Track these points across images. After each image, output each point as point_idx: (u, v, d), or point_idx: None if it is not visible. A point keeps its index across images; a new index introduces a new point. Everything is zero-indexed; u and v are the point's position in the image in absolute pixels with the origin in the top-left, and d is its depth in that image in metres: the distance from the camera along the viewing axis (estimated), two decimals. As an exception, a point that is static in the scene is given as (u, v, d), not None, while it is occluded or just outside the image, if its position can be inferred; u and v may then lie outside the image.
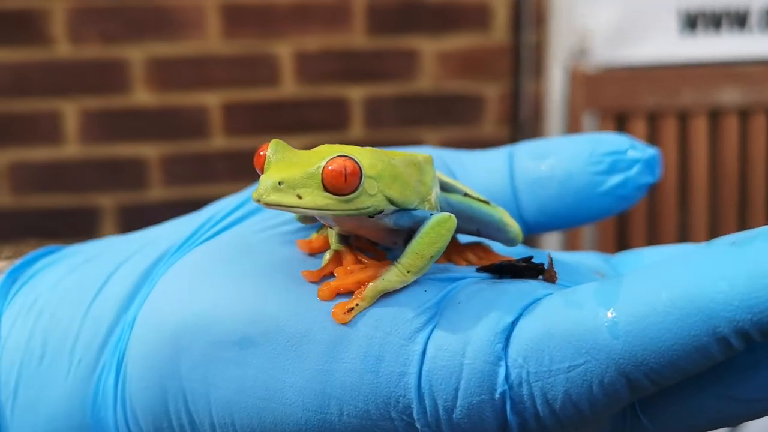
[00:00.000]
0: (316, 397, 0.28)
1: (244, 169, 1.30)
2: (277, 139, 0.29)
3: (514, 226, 0.32)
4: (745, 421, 0.28)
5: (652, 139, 1.28)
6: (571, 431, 0.27)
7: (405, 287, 0.29)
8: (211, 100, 1.31)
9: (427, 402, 0.27)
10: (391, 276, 0.28)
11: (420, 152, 0.35)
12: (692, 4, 1.29)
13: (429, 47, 1.33)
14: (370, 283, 0.28)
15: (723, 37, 1.30)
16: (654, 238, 1.28)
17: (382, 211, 0.29)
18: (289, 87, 1.31)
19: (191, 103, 1.30)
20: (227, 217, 0.34)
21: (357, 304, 0.28)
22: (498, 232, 0.32)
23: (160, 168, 1.32)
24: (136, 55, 1.29)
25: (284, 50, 1.30)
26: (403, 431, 0.28)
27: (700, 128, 1.29)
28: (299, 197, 0.27)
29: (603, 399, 0.26)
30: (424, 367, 0.27)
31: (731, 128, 1.30)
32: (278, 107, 1.30)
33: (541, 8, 1.33)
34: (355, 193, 0.28)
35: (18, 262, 0.34)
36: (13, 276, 0.33)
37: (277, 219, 0.33)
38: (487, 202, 0.33)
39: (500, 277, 0.31)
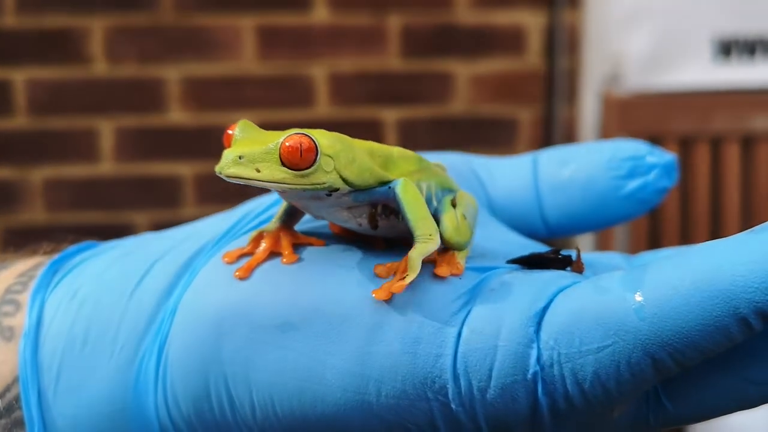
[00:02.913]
0: (356, 378, 0.29)
1: (277, 189, 1.31)
2: (245, 120, 0.31)
3: (447, 229, 0.32)
4: (761, 404, 0.29)
5: (685, 164, 1.28)
6: (598, 412, 0.28)
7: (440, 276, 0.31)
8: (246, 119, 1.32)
9: (462, 382, 0.28)
10: (422, 244, 0.30)
11: (443, 156, 0.37)
12: (726, 30, 1.29)
13: (463, 71, 1.33)
14: (410, 255, 0.30)
15: (757, 65, 1.30)
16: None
17: (338, 190, 0.30)
18: (323, 108, 1.32)
19: (226, 122, 1.31)
20: (262, 213, 0.35)
21: (407, 275, 0.29)
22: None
23: (194, 186, 1.33)
24: (172, 74, 1.30)
25: (319, 72, 1.32)
26: (439, 411, 0.28)
27: (732, 154, 1.29)
28: (258, 171, 0.29)
29: (630, 379, 0.27)
30: (460, 349, 0.28)
31: (764, 155, 1.30)
32: (312, 128, 1.31)
33: (574, 33, 1.33)
34: (311, 169, 0.29)
35: (58, 255, 0.35)
36: (54, 268, 0.35)
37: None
38: (454, 206, 0.34)
39: (530, 268, 0.32)
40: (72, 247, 0.36)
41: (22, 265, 0.36)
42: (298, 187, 0.29)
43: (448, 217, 0.32)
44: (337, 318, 0.29)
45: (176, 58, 1.30)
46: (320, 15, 1.30)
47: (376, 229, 0.32)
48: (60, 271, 0.35)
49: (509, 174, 0.39)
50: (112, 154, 1.31)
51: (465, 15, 1.32)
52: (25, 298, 0.33)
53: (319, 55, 1.31)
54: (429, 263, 0.31)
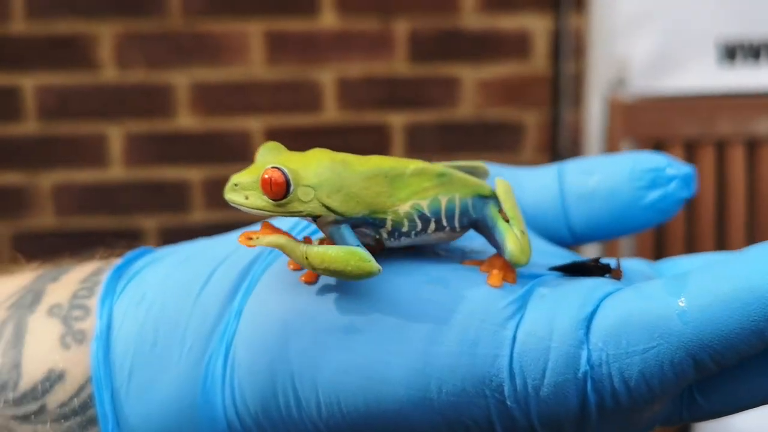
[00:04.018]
0: (418, 377, 0.31)
1: (285, 194, 1.31)
2: (271, 142, 0.33)
3: (513, 251, 0.33)
4: None
5: (690, 168, 1.28)
6: (640, 407, 0.30)
7: None
8: (254, 125, 1.33)
9: (518, 381, 0.30)
10: (293, 245, 0.31)
11: (473, 163, 0.38)
12: (731, 34, 1.30)
13: (470, 75, 1.34)
14: (275, 235, 0.32)
15: (761, 68, 1.31)
16: (692, 266, 1.27)
17: (320, 216, 0.32)
18: (331, 113, 1.33)
19: (234, 127, 1.32)
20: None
21: (258, 237, 0.32)
22: (500, 251, 0.34)
23: (203, 191, 1.33)
24: (181, 80, 1.31)
25: (327, 77, 1.32)
26: (495, 407, 0.30)
27: (737, 158, 1.30)
28: (246, 198, 0.31)
29: (672, 378, 0.29)
30: (515, 350, 0.30)
31: (769, 158, 1.30)
32: (320, 133, 1.32)
33: (580, 38, 1.34)
34: (285, 200, 0.31)
35: (120, 261, 0.37)
36: (117, 274, 0.36)
37: None
38: (507, 221, 0.35)
39: (571, 275, 0.34)
40: (132, 253, 0.38)
41: (81, 270, 0.37)
42: (276, 214, 0.32)
43: (511, 240, 0.34)
44: (398, 321, 0.31)
45: (185, 64, 1.30)
46: (328, 20, 1.31)
47: (398, 242, 0.33)
48: (123, 277, 0.36)
49: (536, 184, 0.41)
50: (121, 159, 1.32)
51: (471, 20, 1.33)
52: (94, 302, 0.35)
53: (327, 60, 1.32)
54: (483, 272, 0.33)
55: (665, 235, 1.28)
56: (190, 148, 1.32)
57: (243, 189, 0.31)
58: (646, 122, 1.29)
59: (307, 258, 0.31)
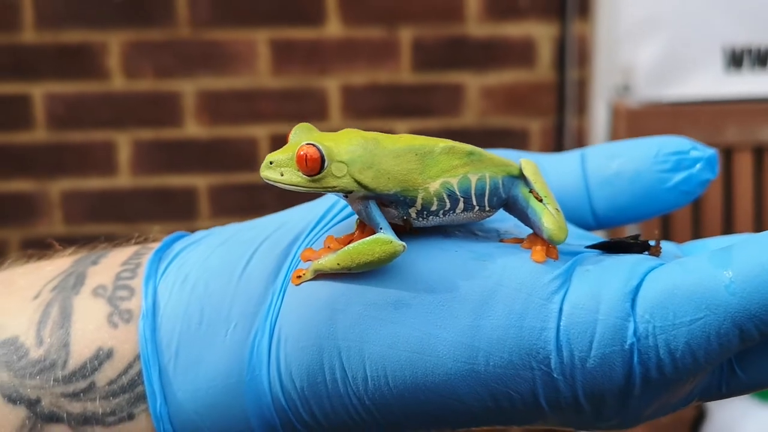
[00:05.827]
0: (466, 349, 0.32)
1: (291, 201, 1.32)
2: (304, 123, 0.34)
3: (551, 229, 0.34)
4: None
5: (696, 174, 1.28)
6: (684, 379, 0.31)
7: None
8: (260, 132, 1.33)
9: (565, 352, 0.31)
10: (326, 261, 0.33)
11: (495, 152, 0.38)
12: (737, 41, 1.30)
13: (474, 83, 1.34)
14: (312, 262, 0.33)
15: (768, 75, 1.30)
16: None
17: (352, 192, 0.33)
18: (336, 121, 1.34)
19: (241, 135, 1.33)
20: (348, 206, 0.38)
21: (303, 275, 0.34)
22: (537, 230, 0.35)
23: (210, 198, 1.34)
24: (188, 88, 1.32)
25: (332, 85, 1.33)
26: (541, 378, 0.31)
27: (744, 164, 1.29)
28: (281, 174, 0.33)
29: (717, 349, 0.30)
30: (562, 323, 0.31)
31: (776, 165, 1.30)
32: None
33: (584, 45, 1.34)
34: (320, 175, 0.32)
35: (158, 245, 0.38)
36: (158, 256, 0.37)
37: None
38: (540, 200, 0.35)
39: (609, 252, 0.35)
40: (170, 237, 0.39)
41: (121, 253, 0.38)
42: (311, 190, 0.33)
43: (547, 219, 0.34)
44: (446, 295, 0.32)
45: (192, 73, 1.32)
46: (333, 29, 1.32)
47: (425, 222, 0.35)
48: (163, 259, 0.37)
49: (559, 169, 0.42)
50: (129, 167, 1.33)
51: (476, 27, 1.33)
52: (138, 283, 0.36)
53: (332, 69, 1.33)
54: (525, 249, 0.34)
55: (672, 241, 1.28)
56: (197, 155, 1.33)
57: (278, 166, 0.33)
58: (652, 129, 1.29)
59: (339, 264, 0.32)
